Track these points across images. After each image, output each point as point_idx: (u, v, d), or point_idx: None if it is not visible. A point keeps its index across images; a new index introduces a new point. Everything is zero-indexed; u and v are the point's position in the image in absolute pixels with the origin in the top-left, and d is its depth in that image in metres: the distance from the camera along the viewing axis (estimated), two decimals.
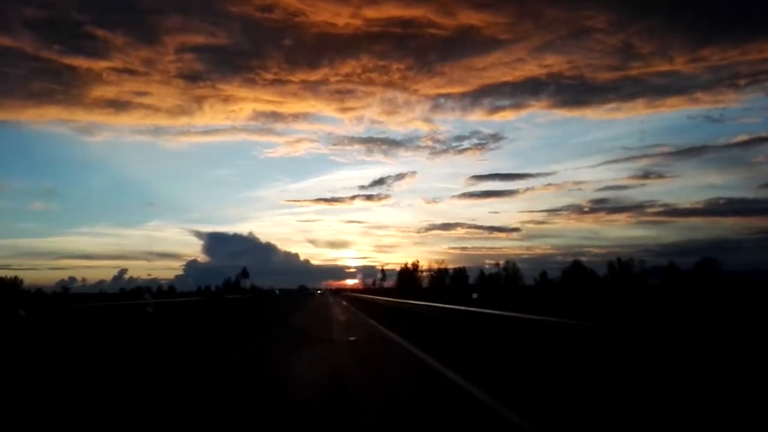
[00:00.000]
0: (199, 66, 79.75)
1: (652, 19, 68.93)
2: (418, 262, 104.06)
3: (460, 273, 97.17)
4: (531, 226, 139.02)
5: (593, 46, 69.30)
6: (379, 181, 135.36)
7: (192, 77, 76.56)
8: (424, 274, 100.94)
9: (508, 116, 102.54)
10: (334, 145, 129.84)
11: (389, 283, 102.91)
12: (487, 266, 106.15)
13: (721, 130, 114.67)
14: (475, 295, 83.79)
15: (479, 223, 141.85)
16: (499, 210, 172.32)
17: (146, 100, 76.94)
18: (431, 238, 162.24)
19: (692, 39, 77.25)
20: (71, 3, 69.60)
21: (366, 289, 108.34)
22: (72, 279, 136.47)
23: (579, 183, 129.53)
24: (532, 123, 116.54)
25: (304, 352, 11.55)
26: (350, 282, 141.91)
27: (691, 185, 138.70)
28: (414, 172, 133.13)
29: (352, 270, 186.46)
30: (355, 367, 9.25)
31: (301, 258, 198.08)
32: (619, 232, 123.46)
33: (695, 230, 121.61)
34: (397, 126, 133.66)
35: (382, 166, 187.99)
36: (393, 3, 65.07)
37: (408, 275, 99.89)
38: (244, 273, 31.97)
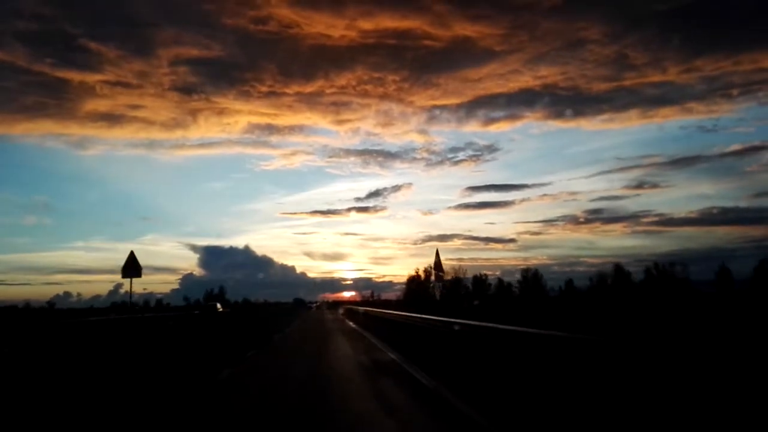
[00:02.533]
0: (193, 79, 78.89)
1: (646, 31, 69.49)
2: (430, 268, 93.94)
3: (481, 281, 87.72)
4: (527, 236, 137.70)
5: (587, 57, 69.46)
6: (375, 193, 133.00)
7: (186, 90, 74.39)
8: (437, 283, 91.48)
9: (503, 127, 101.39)
10: (330, 157, 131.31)
11: (389, 294, 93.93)
12: (505, 274, 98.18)
13: (714, 140, 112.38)
14: (476, 302, 76.27)
15: (475, 234, 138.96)
16: (494, 221, 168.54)
17: (140, 114, 75.92)
18: (427, 249, 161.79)
19: (685, 50, 77.68)
20: (64, 16, 70.04)
21: (365, 302, 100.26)
22: (67, 294, 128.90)
23: (574, 193, 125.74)
24: (527, 134, 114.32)
25: None
26: (347, 294, 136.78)
27: (685, 195, 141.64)
28: (410, 184, 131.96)
29: (348, 282, 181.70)
30: None
31: (298, 271, 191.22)
32: (614, 242, 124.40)
33: (689, 240, 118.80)
34: (392, 138, 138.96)
35: (377, 178, 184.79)
36: (388, 15, 64.00)
37: (418, 285, 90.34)
38: (129, 266, 23.18)
